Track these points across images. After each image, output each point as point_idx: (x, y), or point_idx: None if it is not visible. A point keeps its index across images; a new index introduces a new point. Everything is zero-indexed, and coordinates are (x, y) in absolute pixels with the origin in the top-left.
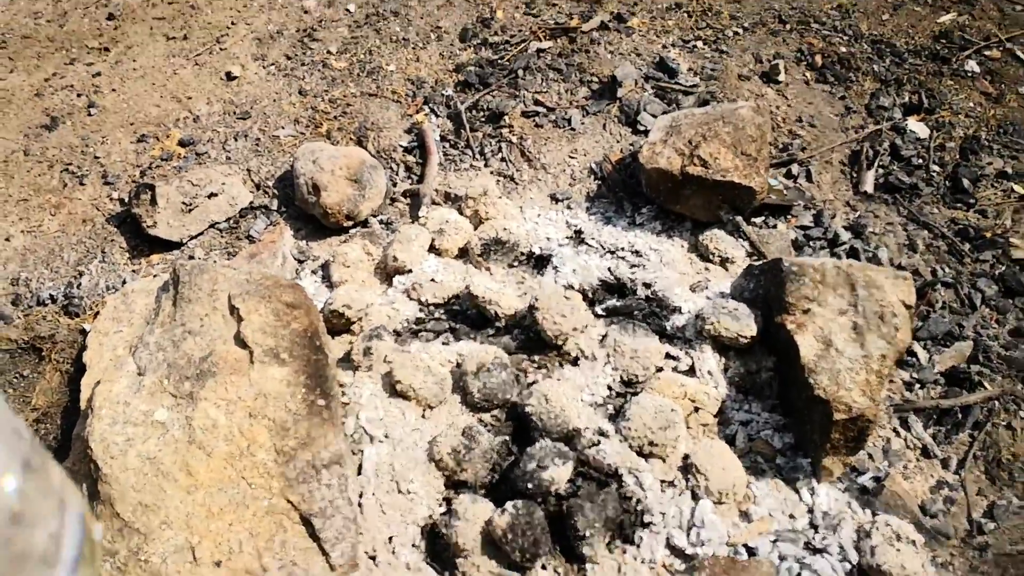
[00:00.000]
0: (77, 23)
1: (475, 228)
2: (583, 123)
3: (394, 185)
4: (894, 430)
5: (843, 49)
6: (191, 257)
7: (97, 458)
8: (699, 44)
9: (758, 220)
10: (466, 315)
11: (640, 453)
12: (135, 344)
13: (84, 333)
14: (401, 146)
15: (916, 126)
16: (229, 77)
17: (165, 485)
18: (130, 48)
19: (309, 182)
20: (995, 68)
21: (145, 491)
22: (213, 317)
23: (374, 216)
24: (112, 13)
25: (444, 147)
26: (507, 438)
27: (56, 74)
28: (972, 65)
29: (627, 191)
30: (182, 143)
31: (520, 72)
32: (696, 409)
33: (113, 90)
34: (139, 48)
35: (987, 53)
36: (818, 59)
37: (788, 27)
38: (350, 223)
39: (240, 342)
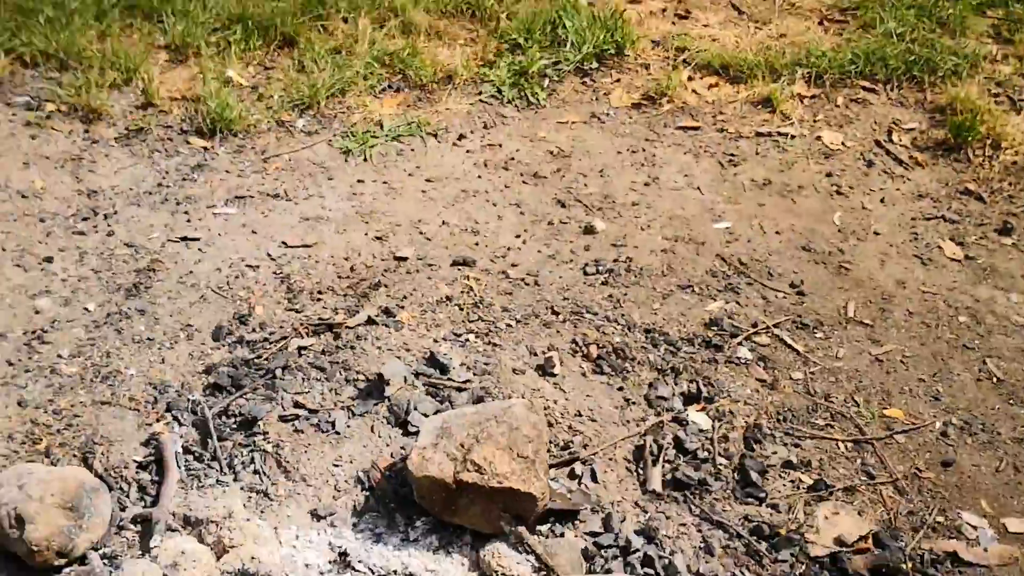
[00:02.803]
0: None
1: (218, 559)
2: (348, 426)
3: (123, 510)
4: None
5: (617, 339)
6: None
7: None
8: (471, 337)
9: (544, 528)
10: None
11: None
12: None
13: None
14: (135, 461)
15: (697, 416)
16: None
17: None
18: None
19: (12, 513)
20: (766, 354)
21: None
22: None
23: (95, 549)
24: None
25: (187, 460)
26: None
27: None
28: (744, 352)
29: (398, 502)
30: None
31: (278, 372)
32: None
33: None
34: None
35: (756, 339)
36: (593, 349)
37: (561, 317)
38: (62, 561)
39: None
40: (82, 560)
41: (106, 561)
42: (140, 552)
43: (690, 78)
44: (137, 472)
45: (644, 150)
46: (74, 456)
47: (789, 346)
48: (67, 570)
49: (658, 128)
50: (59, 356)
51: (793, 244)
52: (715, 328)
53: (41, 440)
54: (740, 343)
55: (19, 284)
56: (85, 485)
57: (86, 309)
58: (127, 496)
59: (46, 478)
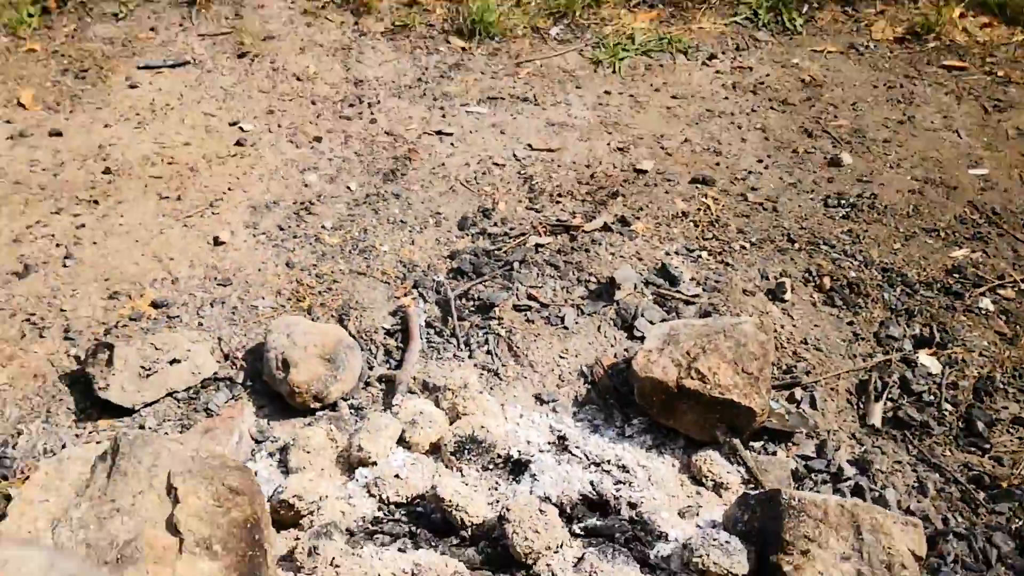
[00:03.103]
0: (72, 173)
1: (451, 423)
2: (577, 323)
3: (370, 368)
4: None
5: (852, 274)
6: (141, 427)
7: None
8: (703, 255)
9: (757, 444)
10: (430, 519)
11: None
12: (58, 517)
13: (8, 499)
14: (383, 328)
15: (928, 360)
16: (216, 242)
17: None
18: (120, 203)
19: (279, 357)
20: (1010, 308)
21: None
22: (148, 495)
23: (344, 399)
24: (109, 167)
25: (428, 334)
26: None
27: (39, 222)
28: (986, 303)
29: (618, 399)
30: (155, 304)
31: (516, 265)
32: None
33: (94, 243)
34: (129, 204)
35: (1001, 292)
36: (826, 281)
37: (797, 246)
38: (317, 404)
39: (172, 527)
40: (333, 407)
41: (353, 411)
42: (383, 407)
43: (961, 15)
44: (384, 337)
45: (902, 86)
46: (332, 316)
47: None
48: (319, 413)
49: (920, 65)
50: (323, 227)
51: None
52: (957, 275)
53: (304, 299)
54: (983, 294)
55: (291, 159)
56: (342, 341)
57: (348, 188)
58: (375, 357)
59: (310, 331)
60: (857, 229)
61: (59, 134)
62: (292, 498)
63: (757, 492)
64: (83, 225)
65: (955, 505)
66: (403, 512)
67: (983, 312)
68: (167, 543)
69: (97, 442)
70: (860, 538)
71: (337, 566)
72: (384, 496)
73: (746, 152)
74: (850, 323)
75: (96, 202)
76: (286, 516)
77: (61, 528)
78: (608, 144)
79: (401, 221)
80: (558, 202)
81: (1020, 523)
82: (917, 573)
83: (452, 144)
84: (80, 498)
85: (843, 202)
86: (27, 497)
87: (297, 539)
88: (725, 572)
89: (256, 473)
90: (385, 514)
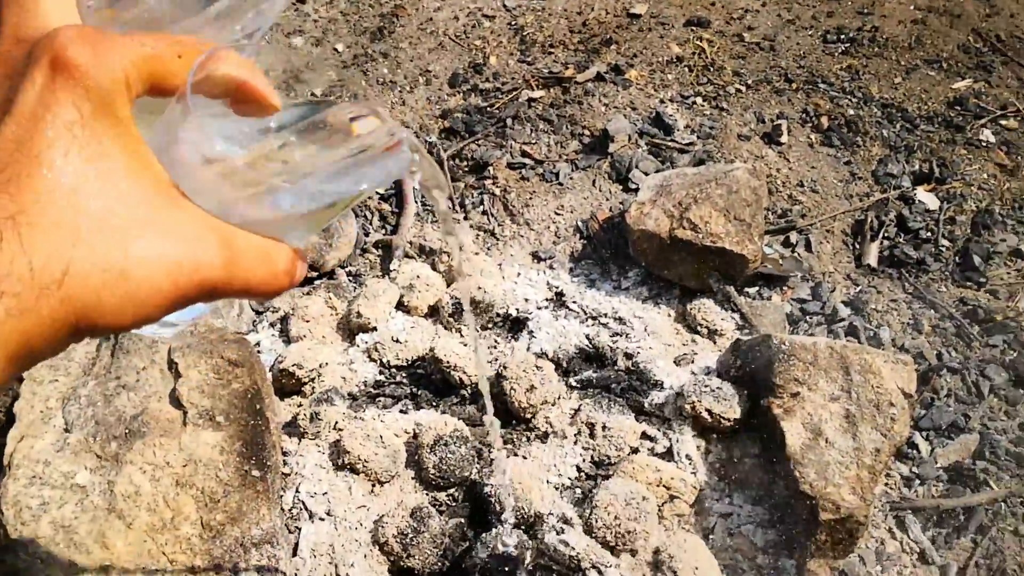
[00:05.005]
0: None
1: (448, 285)
2: (571, 178)
3: (366, 235)
4: (889, 531)
5: (851, 112)
6: None
7: (7, 523)
8: (698, 100)
9: (751, 290)
10: (430, 380)
11: (606, 545)
12: (67, 396)
13: (20, 379)
14: (377, 193)
15: (925, 196)
16: None
17: (77, 558)
18: None
19: None
20: (1011, 139)
21: (54, 565)
22: (151, 371)
23: (341, 267)
24: None
25: (423, 196)
26: (462, 520)
27: None
28: (987, 134)
29: (614, 252)
30: None
31: (509, 121)
32: (672, 498)
33: None
34: None
35: (1003, 123)
36: (824, 121)
37: (794, 86)
38: (314, 274)
39: (175, 401)
40: (331, 275)
41: (351, 278)
42: (380, 273)
43: None
44: (379, 203)
45: None
46: None
47: None
48: (317, 282)
49: None
50: (312, 94)
51: None
52: (959, 107)
53: None
54: (984, 125)
55: (275, 23)
56: None
57: (335, 50)
58: (370, 223)
59: None
60: (857, 64)
61: None
62: (292, 367)
63: (749, 338)
64: None
65: (949, 340)
66: (404, 375)
67: (984, 144)
68: (172, 416)
69: None
70: (849, 379)
71: (340, 429)
72: (385, 360)
73: None
74: (847, 163)
75: None
76: (288, 384)
77: (71, 406)
78: None
79: (391, 81)
80: (550, 53)
81: (1014, 355)
82: (906, 411)
83: None
84: (87, 376)
85: (843, 37)
86: (36, 377)
87: (300, 406)
88: (718, 417)
89: (259, 344)
90: (386, 378)
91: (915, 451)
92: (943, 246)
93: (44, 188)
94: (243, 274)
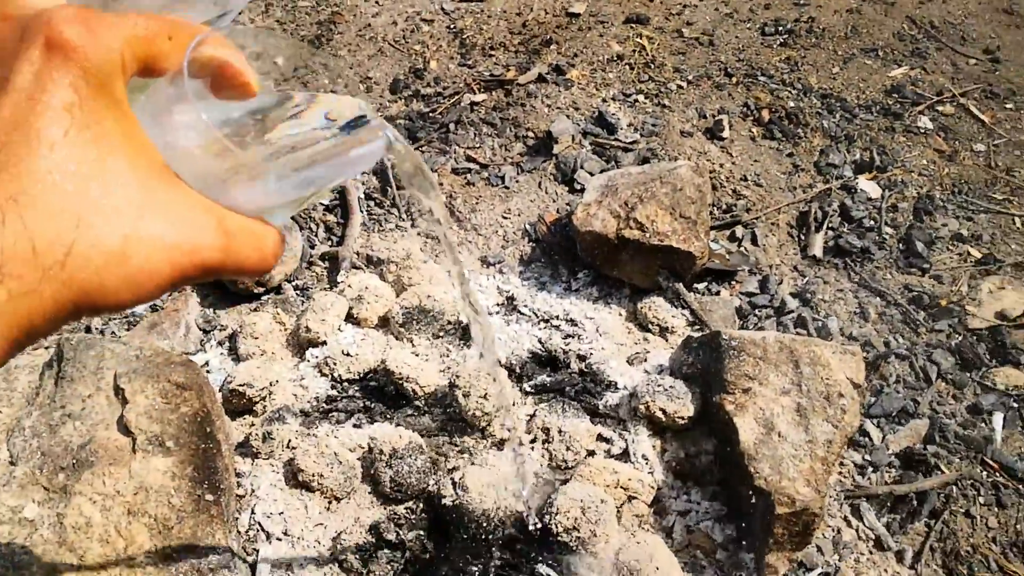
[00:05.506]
0: None
1: (397, 295)
2: (517, 181)
3: (312, 247)
4: (845, 519)
5: (791, 104)
6: (87, 329)
7: None
8: (640, 98)
9: (700, 286)
10: (383, 392)
11: (567, 549)
12: (11, 427)
13: None
14: (322, 204)
15: (867, 185)
16: None
17: None
18: None
19: None
20: (948, 124)
21: None
22: (97, 398)
23: (288, 281)
24: None
25: (368, 206)
26: (422, 532)
27: None
28: (925, 121)
29: (563, 254)
30: None
31: (452, 126)
32: (630, 498)
33: None
34: None
35: (940, 108)
36: (765, 114)
37: (734, 80)
38: (261, 289)
39: (123, 428)
40: (277, 290)
41: (298, 292)
42: (328, 286)
43: None
44: (324, 214)
45: None
46: None
47: (975, 116)
48: (264, 298)
49: None
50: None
51: (993, 6)
52: (896, 95)
53: None
54: (922, 112)
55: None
56: None
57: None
58: (315, 235)
59: None
60: (795, 56)
61: None
62: (242, 386)
63: (700, 335)
64: None
65: (896, 327)
66: (356, 388)
67: (922, 131)
68: (120, 443)
69: (46, 347)
70: (799, 372)
71: (293, 448)
72: (336, 374)
73: None
74: (790, 155)
75: None
76: (239, 404)
77: (15, 438)
78: None
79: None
80: (491, 55)
81: (959, 339)
82: (855, 401)
83: (377, 2)
84: (31, 406)
85: (780, 28)
86: None
87: (252, 425)
88: (672, 416)
89: (207, 363)
90: (338, 392)
91: (867, 438)
92: (886, 234)
93: (44, 169)
94: (238, 256)
